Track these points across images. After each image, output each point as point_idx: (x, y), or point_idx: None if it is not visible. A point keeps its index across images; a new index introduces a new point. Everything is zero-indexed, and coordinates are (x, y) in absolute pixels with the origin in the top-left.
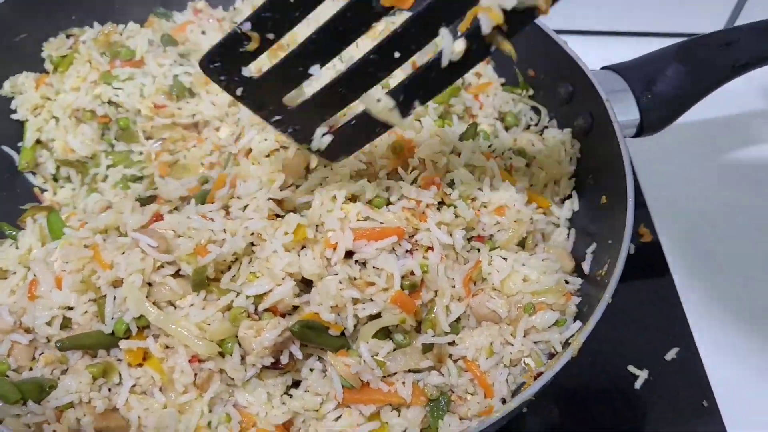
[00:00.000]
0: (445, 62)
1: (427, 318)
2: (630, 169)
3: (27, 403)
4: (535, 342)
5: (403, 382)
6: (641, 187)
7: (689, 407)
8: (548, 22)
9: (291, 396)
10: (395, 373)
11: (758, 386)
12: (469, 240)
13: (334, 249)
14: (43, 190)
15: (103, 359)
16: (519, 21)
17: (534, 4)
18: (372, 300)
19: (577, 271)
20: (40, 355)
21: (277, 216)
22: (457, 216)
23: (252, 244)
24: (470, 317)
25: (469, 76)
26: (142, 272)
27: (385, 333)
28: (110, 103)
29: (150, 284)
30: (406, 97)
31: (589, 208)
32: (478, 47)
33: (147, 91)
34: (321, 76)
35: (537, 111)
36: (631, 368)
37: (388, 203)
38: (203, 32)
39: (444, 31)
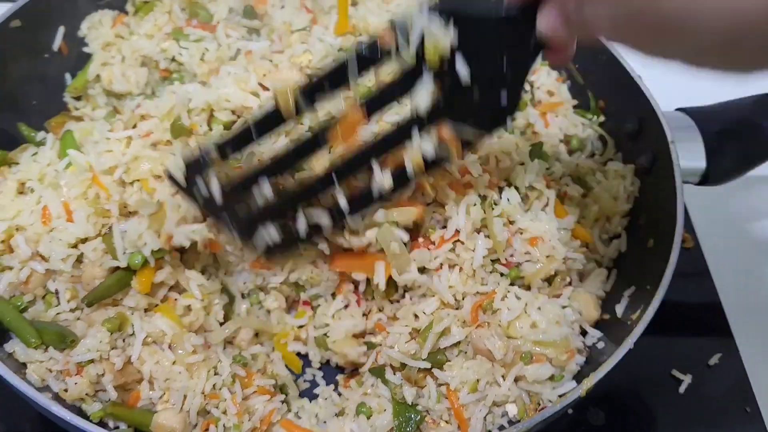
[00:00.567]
0: (375, 194)
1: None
2: (682, 217)
3: (48, 348)
4: (525, 390)
5: None
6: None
7: (732, 413)
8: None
9: None
10: None
11: None
12: (493, 261)
13: None
14: (77, 108)
15: (116, 311)
16: (434, 165)
17: (446, 154)
18: None
19: (610, 313)
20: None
21: None
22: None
23: None
24: (469, 344)
25: (540, 93)
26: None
27: None
28: (173, 60)
29: None
30: (339, 214)
31: (635, 249)
32: (401, 182)
33: (208, 57)
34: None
35: (603, 141)
36: (675, 373)
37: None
38: (282, 6)
39: (375, 166)
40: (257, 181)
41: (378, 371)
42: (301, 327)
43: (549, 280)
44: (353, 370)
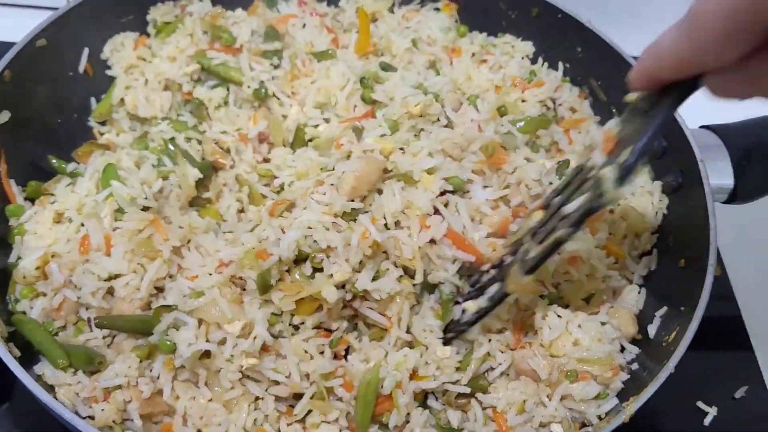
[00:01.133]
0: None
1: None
2: (715, 238)
3: (77, 372)
4: (569, 409)
5: None
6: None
7: None
8: None
9: None
10: None
11: None
12: None
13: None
14: (102, 134)
15: (147, 340)
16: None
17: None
18: None
19: (642, 333)
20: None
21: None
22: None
23: None
24: (511, 367)
25: (563, 110)
26: None
27: None
28: (198, 80)
29: None
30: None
31: (666, 268)
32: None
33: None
34: None
35: None
36: (701, 404)
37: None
38: (304, 25)
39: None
40: None
41: (419, 399)
42: None
43: (587, 298)
44: None
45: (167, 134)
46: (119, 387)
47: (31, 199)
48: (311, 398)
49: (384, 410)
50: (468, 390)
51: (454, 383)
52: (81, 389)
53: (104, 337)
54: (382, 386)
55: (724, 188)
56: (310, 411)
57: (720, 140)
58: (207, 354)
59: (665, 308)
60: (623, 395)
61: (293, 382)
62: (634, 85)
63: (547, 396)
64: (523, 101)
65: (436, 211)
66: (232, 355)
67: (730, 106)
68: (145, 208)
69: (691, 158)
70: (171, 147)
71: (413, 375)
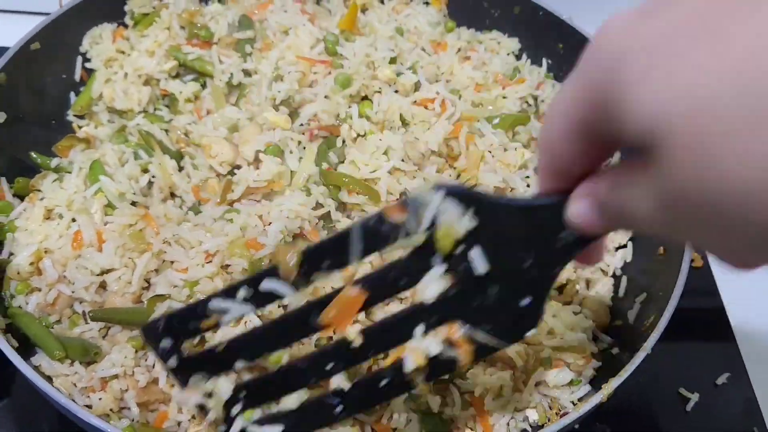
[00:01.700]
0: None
1: None
2: None
3: (74, 363)
4: (543, 395)
5: None
6: None
7: None
8: None
9: None
10: None
11: None
12: None
13: None
14: (80, 127)
15: None
16: (439, 368)
17: (454, 357)
18: None
19: (622, 319)
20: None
21: None
22: None
23: None
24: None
25: (544, 106)
26: None
27: None
28: (177, 76)
29: None
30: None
31: (645, 258)
32: (398, 382)
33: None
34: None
35: None
36: (683, 391)
37: None
38: (285, 11)
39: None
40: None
41: None
42: None
43: (560, 288)
44: None
45: (144, 127)
46: (116, 377)
47: (19, 196)
48: None
49: None
50: (446, 376)
51: None
52: (78, 380)
53: (99, 329)
54: None
55: None
56: None
57: None
58: (202, 340)
59: (644, 294)
60: (601, 381)
61: None
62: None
63: (523, 382)
64: (504, 98)
65: None
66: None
67: None
68: (134, 203)
69: None
70: (147, 136)
71: None
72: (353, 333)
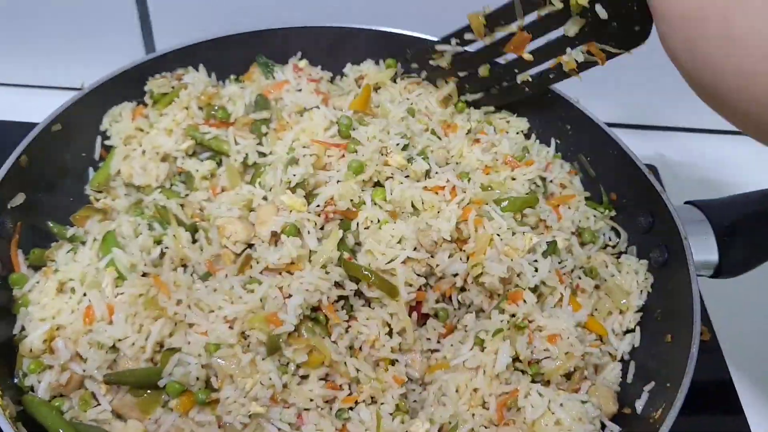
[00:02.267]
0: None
1: None
2: (698, 314)
3: None
4: None
5: None
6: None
7: None
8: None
9: None
10: None
11: None
12: (514, 360)
13: None
14: (98, 199)
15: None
16: (585, 65)
17: (594, 59)
18: None
19: (630, 408)
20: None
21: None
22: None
23: None
24: None
25: (553, 186)
26: None
27: None
28: (193, 154)
29: None
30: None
31: (653, 343)
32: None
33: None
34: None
35: (617, 233)
36: None
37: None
38: (299, 90)
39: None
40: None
41: None
42: None
43: (567, 375)
44: None
45: (160, 202)
46: None
47: (34, 267)
48: None
49: None
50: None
51: None
52: None
53: (111, 409)
54: None
55: (709, 264)
56: None
57: (704, 216)
58: (216, 399)
59: (653, 383)
60: None
61: None
62: None
63: None
64: (513, 179)
65: None
66: (235, 401)
67: (713, 184)
68: (144, 275)
69: (677, 235)
70: (163, 209)
71: None
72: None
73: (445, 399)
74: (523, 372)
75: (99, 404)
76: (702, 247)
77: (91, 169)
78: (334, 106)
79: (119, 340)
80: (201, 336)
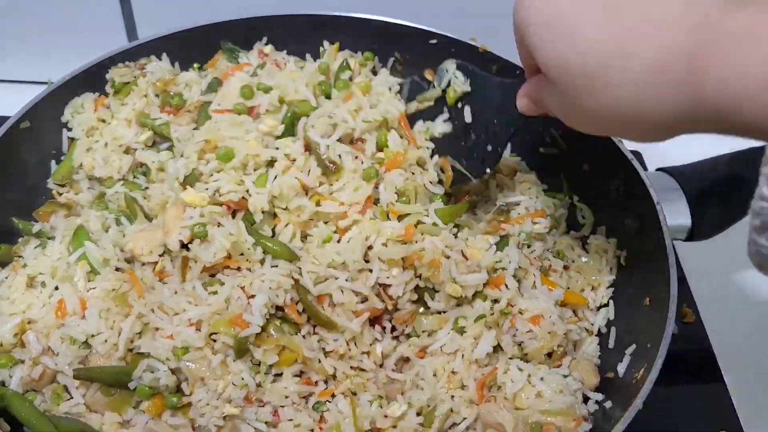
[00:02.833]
0: None
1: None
2: (675, 273)
3: None
4: None
5: None
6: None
7: None
8: None
9: None
10: None
11: None
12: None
13: None
14: (60, 193)
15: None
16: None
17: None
18: None
19: (613, 371)
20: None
21: None
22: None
23: None
24: (477, 421)
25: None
26: None
27: None
28: (153, 145)
29: None
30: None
31: (633, 307)
32: None
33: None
34: None
35: (582, 216)
36: None
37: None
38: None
39: None
40: None
41: None
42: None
43: (549, 354)
44: None
45: (128, 194)
46: None
47: (1, 263)
48: None
49: None
50: None
51: None
52: None
53: (84, 402)
54: None
55: (683, 228)
56: None
57: (676, 182)
58: (188, 403)
59: (633, 345)
60: (609, 420)
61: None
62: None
63: None
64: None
65: None
66: (208, 404)
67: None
68: (118, 269)
69: (650, 202)
70: (131, 201)
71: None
72: None
73: (422, 383)
74: (503, 349)
75: (71, 398)
76: (675, 212)
77: (53, 162)
78: None
79: (92, 336)
80: (167, 340)
